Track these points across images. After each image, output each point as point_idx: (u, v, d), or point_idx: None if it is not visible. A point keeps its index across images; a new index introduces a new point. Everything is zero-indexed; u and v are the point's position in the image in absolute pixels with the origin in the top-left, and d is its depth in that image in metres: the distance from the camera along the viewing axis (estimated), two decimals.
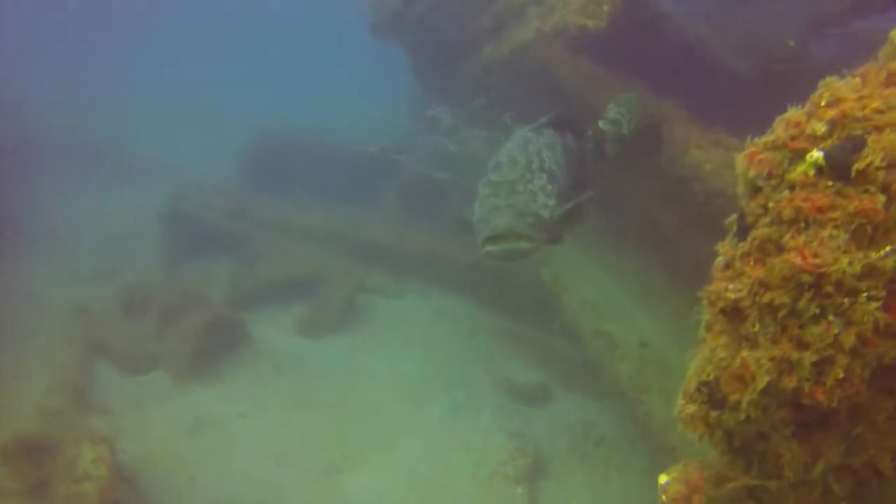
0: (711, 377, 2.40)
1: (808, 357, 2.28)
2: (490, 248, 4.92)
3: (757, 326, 2.32)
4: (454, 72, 9.03)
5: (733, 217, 2.58)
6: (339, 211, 10.16)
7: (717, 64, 7.29)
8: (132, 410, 7.68)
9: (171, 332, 8.40)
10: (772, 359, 2.30)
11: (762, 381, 2.30)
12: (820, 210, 2.20)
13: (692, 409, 2.47)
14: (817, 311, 2.26)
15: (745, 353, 2.35)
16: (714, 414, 2.44)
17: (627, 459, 7.20)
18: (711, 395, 2.42)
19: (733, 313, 2.36)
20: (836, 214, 2.19)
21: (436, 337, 8.72)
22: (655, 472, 6.86)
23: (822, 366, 2.32)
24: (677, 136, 6.16)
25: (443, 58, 9.25)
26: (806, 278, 2.17)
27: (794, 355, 2.29)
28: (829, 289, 2.17)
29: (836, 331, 2.25)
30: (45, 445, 6.44)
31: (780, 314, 2.27)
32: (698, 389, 2.44)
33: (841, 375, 2.29)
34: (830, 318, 2.26)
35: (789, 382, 2.31)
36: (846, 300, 2.20)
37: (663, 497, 2.58)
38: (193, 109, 17.55)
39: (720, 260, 2.48)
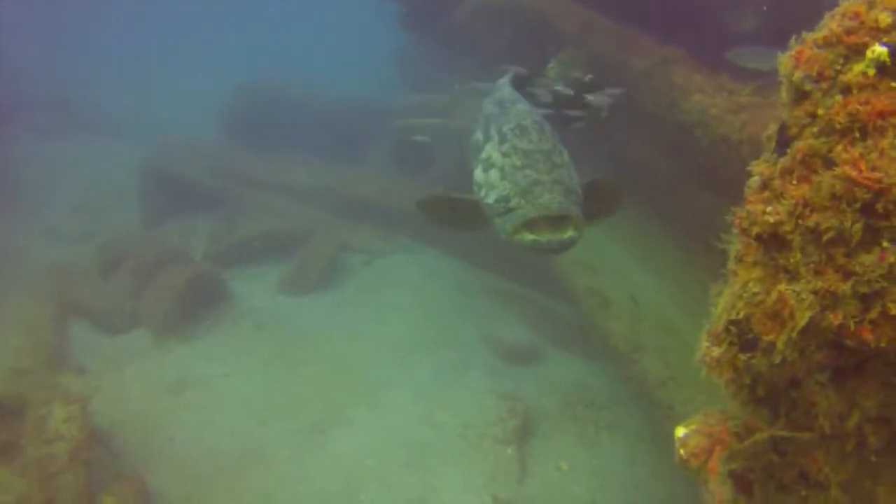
0: (742, 315, 2.07)
1: (857, 290, 1.95)
2: (535, 237, 4.02)
3: (798, 255, 1.98)
4: (450, 21, 8.57)
5: (772, 129, 2.21)
6: (324, 167, 9.73)
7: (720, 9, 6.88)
8: (109, 370, 7.32)
9: (151, 289, 8.00)
10: (815, 292, 1.97)
11: (802, 319, 1.97)
12: (881, 115, 1.84)
13: (718, 351, 2.14)
14: (870, 235, 1.92)
15: (782, 286, 2.02)
16: (743, 357, 2.11)
17: (618, 420, 6.95)
18: (742, 336, 2.09)
19: (771, 240, 2.01)
20: None
21: (424, 295, 8.38)
22: (648, 434, 6.62)
23: (871, 300, 1.98)
24: (679, 82, 5.78)
25: (437, 6, 8.77)
26: (861, 195, 1.82)
27: (841, 288, 1.95)
28: (887, 207, 1.83)
29: (892, 259, 1.91)
30: (14, 406, 6.08)
31: (826, 239, 1.93)
32: (727, 329, 2.11)
33: (894, 312, 1.96)
34: (885, 244, 1.91)
35: (834, 320, 1.98)
36: None
37: (681, 451, 2.26)
38: (176, 64, 16.91)
39: (755, 180, 2.11)
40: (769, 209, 1.99)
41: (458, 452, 6.39)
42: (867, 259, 1.93)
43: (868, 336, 1.99)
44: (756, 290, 2.05)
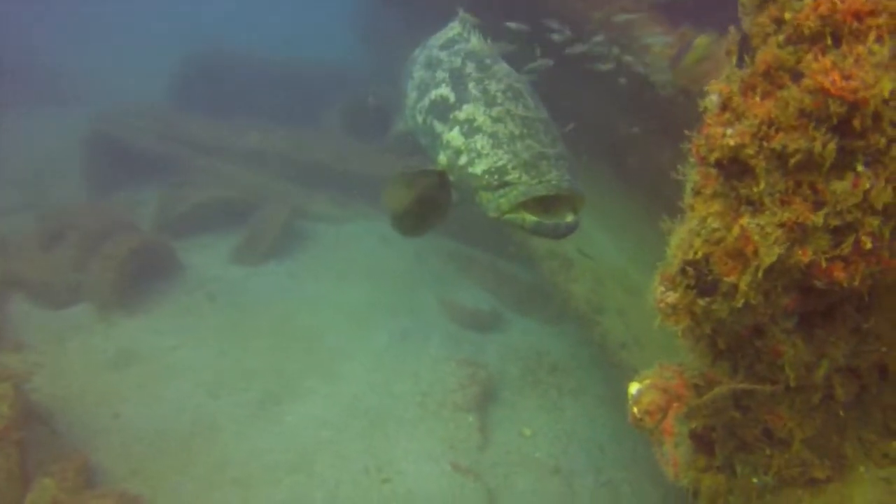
0: (700, 255, 1.82)
1: (828, 221, 1.71)
2: (538, 219, 3.55)
3: (762, 184, 1.73)
4: None
5: (732, 41, 1.95)
6: (277, 131, 9.30)
7: None
8: (51, 346, 6.90)
9: (94, 261, 7.57)
10: (781, 225, 1.72)
11: (768, 257, 1.73)
12: (857, 16, 1.57)
13: (674, 296, 1.89)
14: (843, 158, 1.68)
15: (745, 220, 1.77)
16: (702, 302, 1.87)
17: (581, 385, 6.79)
18: (700, 278, 1.84)
19: (731, 167, 1.76)
20: (880, 21, 1.58)
21: (381, 262, 8.07)
22: (611, 397, 6.45)
23: (843, 234, 1.75)
24: (638, 33, 5.51)
25: None
26: (834, 109, 1.57)
27: (811, 220, 1.71)
28: (864, 123, 1.59)
29: (867, 185, 1.67)
30: None
31: (794, 164, 1.68)
32: (682, 271, 1.85)
33: (868, 246, 1.73)
34: (859, 168, 1.67)
35: (802, 256, 1.74)
36: (882, 140, 1.62)
37: (634, 409, 2.01)
38: (123, 28, 16.15)
39: (713, 100, 1.84)
40: (729, 131, 1.73)
41: (416, 421, 6.16)
42: (839, 186, 1.69)
43: (840, 274, 1.75)
44: (715, 225, 1.79)
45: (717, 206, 1.81)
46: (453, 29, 5.39)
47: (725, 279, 1.78)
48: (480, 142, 3.93)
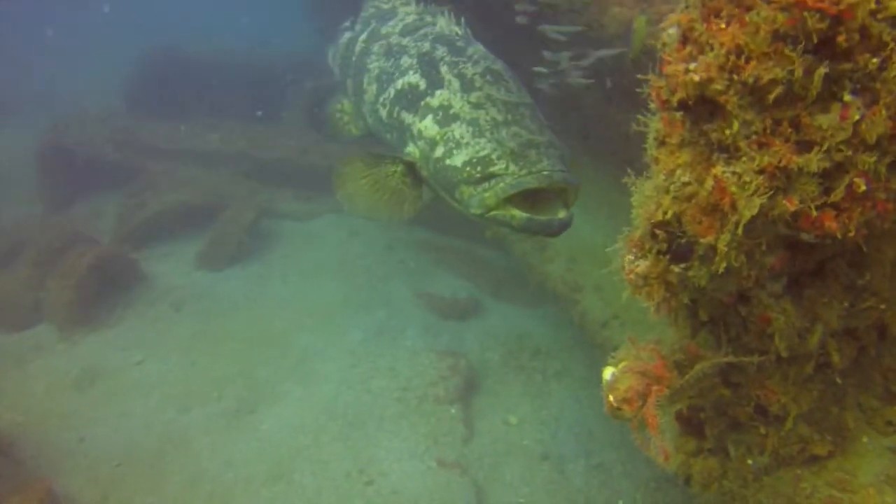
0: (670, 214, 1.55)
1: (815, 162, 1.45)
2: (530, 215, 3.19)
3: (735, 125, 1.47)
4: None
5: None
6: (238, 130, 8.93)
7: None
8: (10, 370, 6.55)
9: (52, 279, 7.21)
10: (761, 171, 1.46)
11: (748, 209, 1.47)
12: None
13: (644, 265, 1.63)
14: (826, 87, 1.43)
15: (719, 169, 1.51)
16: (677, 269, 1.61)
17: (566, 367, 6.56)
18: (672, 242, 1.58)
19: (699, 108, 1.49)
20: None
21: (352, 256, 7.77)
22: (596, 378, 6.22)
23: (833, 177, 1.50)
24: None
25: None
26: (814, 25, 1.31)
27: (794, 162, 1.45)
28: (851, 39, 1.33)
29: (857, 116, 1.42)
30: None
31: (772, 98, 1.43)
32: (651, 235, 1.59)
33: (862, 189, 1.47)
34: (846, 96, 1.41)
35: (788, 206, 1.48)
36: (873, 61, 1.36)
37: (610, 398, 1.75)
38: (76, 34, 15.58)
39: (672, 34, 1.58)
40: (693, 66, 1.46)
41: (397, 418, 5.89)
42: (825, 121, 1.42)
43: (831, 224, 1.49)
44: (685, 178, 1.53)
45: (685, 157, 1.54)
46: (410, 13, 5.05)
47: (701, 240, 1.53)
48: (459, 130, 3.56)
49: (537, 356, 6.71)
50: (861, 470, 2.13)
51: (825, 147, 1.42)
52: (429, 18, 4.82)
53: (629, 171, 1.74)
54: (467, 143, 3.48)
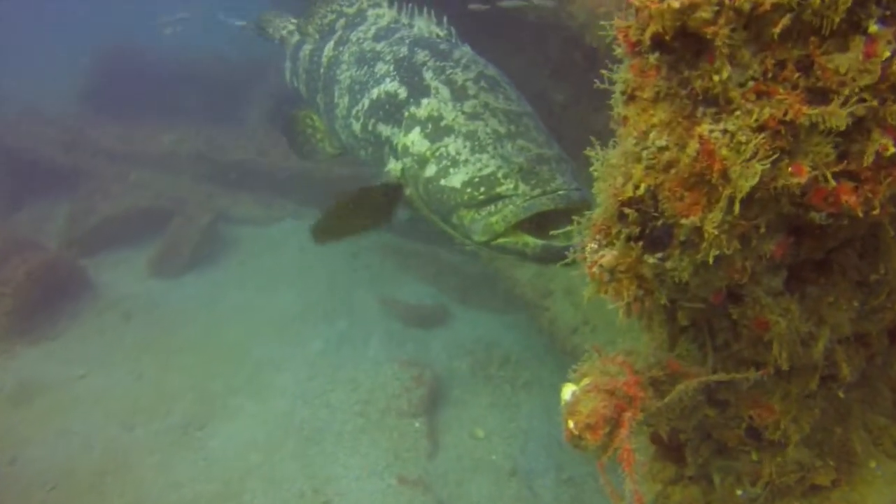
0: (643, 189, 1.19)
1: (833, 116, 1.10)
2: (546, 242, 2.74)
3: (726, 68, 1.12)
4: None
5: None
6: (193, 131, 8.46)
7: None
8: None
9: None
10: (760, 128, 1.12)
11: (744, 179, 1.12)
12: None
13: (611, 255, 1.27)
14: (849, 14, 1.08)
15: (705, 127, 1.15)
16: (652, 259, 1.25)
17: (536, 377, 6.20)
18: (646, 224, 1.22)
19: (679, 46, 1.14)
20: None
21: (313, 263, 7.32)
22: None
23: (853, 136, 1.15)
24: None
25: None
26: None
27: (804, 114, 1.10)
28: None
29: (886, 53, 1.07)
30: None
31: (775, 31, 1.08)
32: (620, 216, 1.22)
33: (891, 151, 1.12)
34: (872, 26, 1.07)
35: (795, 175, 1.13)
36: None
37: (570, 423, 1.36)
38: (20, 31, 14.87)
39: None
40: None
41: (357, 433, 5.48)
42: (843, 61, 1.07)
43: (850, 199, 1.13)
44: (662, 142, 1.16)
45: (661, 114, 1.17)
46: (383, 16, 4.56)
47: (683, 221, 1.16)
48: (454, 145, 3.09)
49: (506, 365, 6.35)
50: (870, 500, 1.78)
51: (844, 96, 1.06)
52: (405, 20, 4.34)
53: (592, 139, 1.37)
54: (466, 161, 3.02)
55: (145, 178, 8.11)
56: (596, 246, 1.26)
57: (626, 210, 1.20)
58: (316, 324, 6.59)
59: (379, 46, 4.12)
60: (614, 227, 1.23)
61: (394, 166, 3.50)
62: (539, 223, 2.86)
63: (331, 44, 4.68)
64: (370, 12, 4.64)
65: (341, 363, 6.16)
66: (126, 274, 7.41)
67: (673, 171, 1.18)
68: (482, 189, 2.92)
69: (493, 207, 2.89)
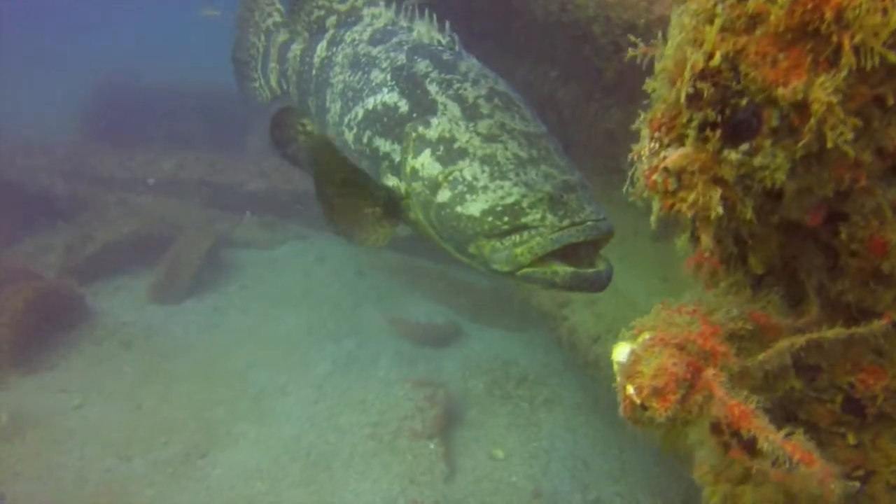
0: (717, 57, 0.88)
1: None
2: (574, 269, 2.58)
3: None
4: None
5: None
6: (193, 157, 8.23)
7: None
8: None
9: None
10: None
11: (873, 16, 0.80)
12: None
13: (681, 153, 0.94)
14: None
15: None
16: (735, 155, 0.92)
17: (556, 394, 5.82)
18: (725, 104, 0.91)
19: None
20: None
21: (318, 284, 7.00)
22: (589, 403, 5.45)
23: None
24: None
25: None
26: None
27: None
28: None
29: None
30: None
31: None
32: (690, 97, 0.91)
33: None
34: None
35: None
36: None
37: (629, 389, 1.02)
38: (27, 61, 14.82)
39: None
40: None
41: (368, 456, 5.10)
42: None
43: None
44: None
45: None
46: (379, 17, 4.27)
47: (779, 93, 0.84)
48: (470, 170, 2.83)
49: (524, 383, 5.97)
50: None
51: None
52: (404, 23, 3.99)
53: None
54: (485, 187, 2.77)
55: (145, 203, 7.86)
56: (656, 145, 0.93)
57: (700, 85, 0.88)
58: (322, 345, 6.24)
59: (375, 51, 3.79)
60: (683, 115, 0.90)
61: (395, 185, 3.23)
62: (565, 250, 2.64)
63: (323, 43, 4.38)
64: (366, 11, 4.33)
65: (350, 385, 5.80)
66: (126, 301, 7.09)
67: (762, 28, 0.85)
68: (505, 219, 2.70)
69: (517, 238, 2.68)
